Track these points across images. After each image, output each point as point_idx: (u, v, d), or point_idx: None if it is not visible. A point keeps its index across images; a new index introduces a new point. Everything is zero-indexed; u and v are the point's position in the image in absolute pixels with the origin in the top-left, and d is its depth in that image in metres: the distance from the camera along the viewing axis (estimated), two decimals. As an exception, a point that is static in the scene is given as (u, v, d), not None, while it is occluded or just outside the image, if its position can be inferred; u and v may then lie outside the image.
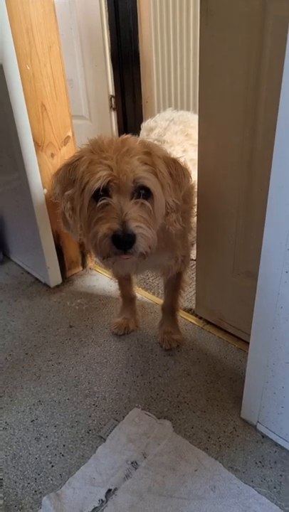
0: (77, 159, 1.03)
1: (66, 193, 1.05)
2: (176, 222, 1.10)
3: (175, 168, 1.07)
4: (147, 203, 1.01)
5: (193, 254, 1.64)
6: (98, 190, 0.98)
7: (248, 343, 1.10)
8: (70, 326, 1.63)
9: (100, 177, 0.96)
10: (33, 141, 1.52)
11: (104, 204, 0.99)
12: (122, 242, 0.97)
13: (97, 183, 0.97)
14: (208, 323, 1.58)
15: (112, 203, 0.98)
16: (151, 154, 1.03)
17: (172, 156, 1.31)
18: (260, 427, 1.18)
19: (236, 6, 1.02)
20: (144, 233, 0.99)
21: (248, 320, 1.07)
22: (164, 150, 1.13)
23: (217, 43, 1.09)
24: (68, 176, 1.05)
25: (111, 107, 2.89)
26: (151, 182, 1.00)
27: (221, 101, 1.15)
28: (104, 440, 1.19)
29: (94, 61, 2.77)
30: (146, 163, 1.01)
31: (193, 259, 1.63)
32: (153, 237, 1.02)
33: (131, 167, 0.97)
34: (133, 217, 0.98)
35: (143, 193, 1.01)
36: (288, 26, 0.72)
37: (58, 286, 1.86)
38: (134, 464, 1.12)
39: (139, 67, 2.70)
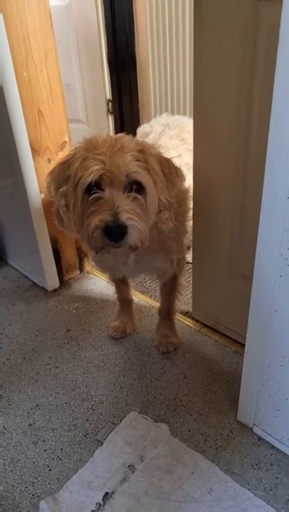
0: (72, 157, 1.04)
1: (60, 189, 1.06)
2: (168, 220, 1.11)
3: (168, 167, 1.08)
4: (140, 197, 1.02)
5: (190, 257, 1.66)
6: (91, 184, 0.99)
7: (245, 346, 1.11)
8: (68, 330, 1.63)
9: (93, 171, 0.97)
10: (30, 146, 1.53)
11: (96, 197, 1.00)
12: (113, 233, 0.98)
13: (89, 177, 0.98)
14: (205, 326, 1.59)
15: (105, 196, 0.99)
16: (145, 152, 1.04)
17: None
18: (256, 430, 1.19)
19: (229, 13, 1.03)
20: (136, 225, 0.99)
21: (244, 323, 1.07)
22: (158, 149, 1.15)
23: (211, 51, 1.10)
24: (63, 173, 1.06)
25: (108, 110, 2.90)
26: (143, 177, 1.01)
27: (216, 107, 1.17)
28: (102, 444, 1.19)
29: (91, 66, 2.78)
30: (139, 160, 1.02)
31: (189, 262, 1.64)
32: (145, 230, 1.03)
33: (124, 161, 0.98)
34: (125, 209, 0.98)
35: (136, 187, 1.02)
36: (279, 34, 0.73)
37: (55, 290, 1.87)
38: (131, 467, 1.12)
39: (136, 71, 2.72)
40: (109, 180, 0.99)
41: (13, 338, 1.61)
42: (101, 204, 0.99)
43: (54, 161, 1.63)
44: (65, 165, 1.06)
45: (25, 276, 1.97)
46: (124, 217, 0.97)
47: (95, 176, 0.97)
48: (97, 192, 0.99)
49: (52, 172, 1.10)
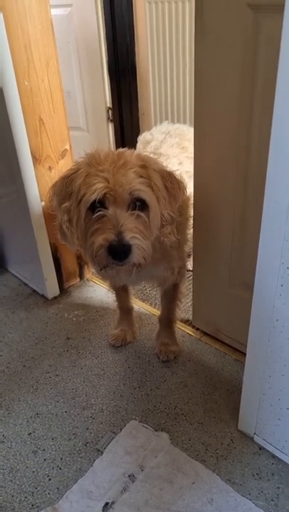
0: (74, 172, 1.05)
1: (63, 205, 1.06)
2: (170, 234, 1.12)
3: (170, 181, 1.09)
4: (143, 215, 1.03)
5: (190, 265, 1.66)
6: (94, 202, 0.99)
7: (245, 354, 1.11)
8: (68, 338, 1.63)
9: (96, 189, 0.98)
10: (31, 154, 1.54)
11: (100, 215, 1.00)
12: (117, 253, 0.98)
13: (93, 195, 0.98)
14: (205, 334, 1.59)
15: (108, 214, 0.99)
16: (147, 167, 1.04)
17: (168, 168, 1.33)
18: (257, 439, 1.18)
19: (230, 25, 1.04)
20: (140, 244, 1.00)
21: (244, 331, 1.07)
22: (160, 163, 1.15)
23: (211, 61, 1.11)
24: (65, 188, 1.06)
25: (108, 118, 2.91)
26: (146, 194, 1.02)
27: (216, 116, 1.17)
28: (102, 453, 1.19)
29: (91, 73, 2.80)
30: (141, 176, 1.02)
31: (189, 270, 1.64)
32: (148, 248, 1.04)
33: (127, 179, 0.99)
34: (129, 228, 0.99)
35: (139, 204, 1.02)
36: (280, 45, 0.73)
37: (55, 297, 1.86)
38: (132, 477, 1.12)
39: (136, 79, 2.74)
40: (113, 198, 0.99)
41: (13, 345, 1.61)
42: (105, 222, 0.99)
43: (55, 169, 1.64)
44: (67, 179, 1.06)
45: (25, 284, 1.97)
46: (128, 236, 0.98)
47: (98, 195, 0.98)
48: (100, 210, 1.00)
49: (54, 186, 1.11)
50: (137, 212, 1.02)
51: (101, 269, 1.08)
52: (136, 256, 1.01)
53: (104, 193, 0.99)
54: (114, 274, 1.19)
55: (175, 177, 1.11)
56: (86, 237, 1.04)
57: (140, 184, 1.01)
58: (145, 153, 1.25)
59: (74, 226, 1.07)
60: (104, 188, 0.98)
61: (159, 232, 1.10)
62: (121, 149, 1.09)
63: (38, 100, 1.49)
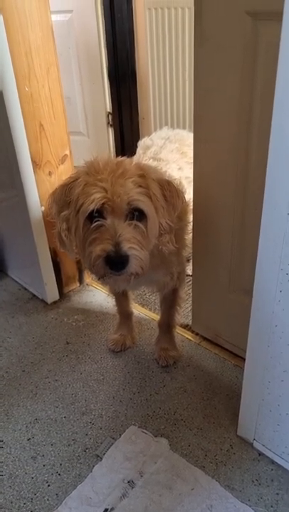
0: (73, 180, 1.05)
1: (62, 213, 1.07)
2: (169, 242, 1.13)
3: (169, 190, 1.09)
4: (141, 225, 1.03)
5: (190, 270, 1.66)
6: (92, 211, 1.00)
7: (245, 360, 1.11)
8: (67, 343, 1.63)
9: (95, 199, 0.98)
10: (31, 159, 1.54)
11: (98, 225, 1.01)
12: (114, 263, 0.99)
13: (91, 205, 0.99)
14: (205, 339, 1.59)
15: (106, 224, 1.00)
16: (146, 177, 1.05)
17: (167, 174, 1.34)
18: (256, 445, 1.18)
19: (229, 31, 1.05)
20: (137, 254, 1.01)
21: (244, 336, 1.07)
22: (160, 172, 1.16)
23: (211, 67, 1.12)
24: (64, 197, 1.07)
25: (108, 123, 2.93)
26: (145, 204, 1.02)
27: (215, 122, 1.18)
28: (101, 459, 1.19)
29: (91, 79, 2.82)
30: (140, 186, 1.03)
31: (189, 275, 1.64)
32: (146, 258, 1.04)
33: (125, 189, 1.00)
34: (126, 238, 0.99)
35: (137, 214, 1.03)
36: (279, 52, 0.74)
37: (55, 302, 1.86)
38: (131, 483, 1.11)
39: (136, 84, 2.75)
40: (111, 208, 1.00)
41: (13, 350, 1.61)
42: (102, 232, 1.00)
43: (55, 174, 1.64)
44: (66, 187, 1.07)
45: (25, 289, 1.97)
46: (125, 246, 0.99)
47: (96, 205, 0.99)
48: (98, 220, 1.01)
49: (53, 194, 1.12)
50: (134, 222, 1.03)
51: (99, 278, 1.09)
52: (133, 266, 1.02)
53: (103, 203, 0.99)
54: (112, 282, 1.19)
55: (174, 186, 1.12)
56: (84, 246, 1.05)
57: (138, 194, 1.02)
58: (144, 162, 1.26)
59: (73, 234, 1.08)
60: (103, 198, 0.99)
61: (158, 241, 1.11)
62: (120, 158, 1.10)
63: (39, 106, 1.50)
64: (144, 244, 1.04)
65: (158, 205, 1.06)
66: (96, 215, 1.01)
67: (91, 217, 1.01)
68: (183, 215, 1.30)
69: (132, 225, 1.02)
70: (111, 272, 1.02)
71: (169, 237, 1.12)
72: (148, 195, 1.04)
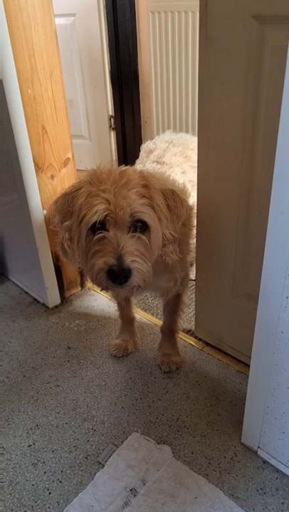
0: (76, 190, 1.05)
1: (64, 223, 1.07)
2: (172, 253, 1.12)
3: (173, 200, 1.08)
4: (143, 237, 1.02)
5: (193, 275, 1.64)
6: (95, 223, 0.99)
7: (248, 366, 1.09)
8: (69, 348, 1.61)
9: (97, 211, 0.98)
10: (34, 162, 1.53)
11: (101, 237, 1.00)
12: (117, 277, 0.98)
13: (94, 217, 0.98)
14: (208, 344, 1.57)
15: (109, 236, 0.99)
16: (149, 187, 1.04)
17: (171, 178, 1.33)
18: (261, 453, 1.16)
19: (234, 35, 1.04)
20: (140, 267, 1.00)
21: (247, 342, 1.06)
22: (163, 180, 1.15)
23: (216, 71, 1.11)
24: (67, 206, 1.06)
25: (110, 126, 2.92)
26: (148, 216, 1.01)
27: (220, 126, 1.17)
28: (103, 466, 1.17)
29: (94, 82, 2.81)
30: (144, 196, 1.02)
31: (192, 280, 1.63)
32: (148, 270, 1.03)
33: (128, 201, 0.99)
34: (129, 251, 0.98)
35: (140, 225, 1.02)
36: (286, 56, 0.73)
37: (56, 306, 1.85)
38: (133, 491, 1.10)
39: (139, 88, 2.75)
40: (114, 220, 0.99)
41: (13, 355, 1.59)
42: (105, 244, 0.99)
43: (57, 178, 1.63)
44: (68, 197, 1.06)
45: (26, 293, 1.96)
46: (128, 260, 0.98)
47: (99, 217, 0.98)
48: (101, 232, 1.00)
49: (56, 202, 1.11)
50: (137, 234, 1.02)
51: (101, 290, 1.08)
52: (136, 279, 1.01)
53: (106, 215, 0.99)
54: (115, 294, 1.18)
55: (178, 195, 1.11)
56: (87, 258, 1.05)
57: (141, 206, 1.01)
58: (148, 170, 1.25)
59: (75, 245, 1.08)
60: (105, 210, 0.98)
61: (161, 251, 1.10)
62: (123, 167, 1.09)
63: (41, 109, 1.49)
64: (148, 257, 1.03)
65: (161, 215, 1.05)
66: (99, 226, 1.00)
67: (94, 228, 1.00)
68: (187, 220, 1.29)
69: (135, 237, 1.01)
70: (113, 285, 1.01)
71: (172, 248, 1.12)
72: (151, 206, 1.03)
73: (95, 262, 1.00)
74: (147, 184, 1.04)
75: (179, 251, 1.14)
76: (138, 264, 0.99)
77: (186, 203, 1.12)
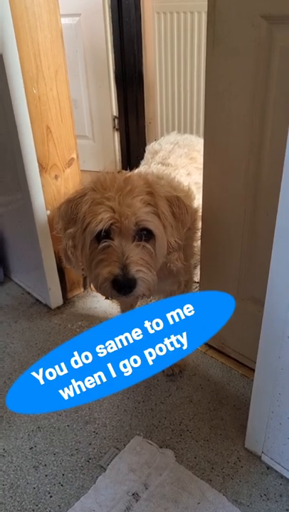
0: (80, 197, 1.04)
1: (68, 231, 1.06)
2: (177, 260, 1.11)
3: (178, 207, 1.07)
4: (148, 246, 1.02)
5: (197, 277, 1.63)
6: (100, 231, 0.99)
7: (252, 370, 1.08)
8: (71, 349, 1.60)
9: (102, 219, 0.97)
10: (38, 162, 1.52)
11: (105, 246, 0.99)
12: (122, 287, 0.98)
13: (98, 226, 0.97)
14: (211, 348, 1.56)
15: (114, 245, 0.99)
16: (154, 194, 1.03)
17: (176, 180, 1.32)
18: (264, 458, 1.15)
19: (243, 35, 1.02)
20: (145, 277, 0.99)
21: (251, 346, 1.05)
22: (168, 186, 1.13)
23: (223, 71, 1.10)
24: (70, 213, 1.05)
25: (114, 127, 2.91)
26: (153, 224, 1.01)
27: (227, 127, 1.15)
28: (105, 470, 1.16)
29: (98, 82, 2.81)
30: (148, 204, 1.01)
31: (196, 282, 1.61)
32: (153, 279, 1.03)
33: (133, 210, 0.98)
34: (134, 260, 0.98)
35: (145, 234, 1.01)
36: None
37: (58, 307, 1.84)
38: (135, 496, 1.08)
39: (143, 88, 2.74)
40: (119, 229, 0.98)
41: (15, 356, 1.58)
42: (110, 253, 0.99)
43: (61, 178, 1.62)
44: (72, 203, 1.05)
45: (28, 293, 1.95)
46: (133, 269, 0.97)
47: (104, 226, 0.97)
48: (106, 241, 0.99)
49: (59, 208, 1.10)
50: (142, 243, 1.01)
51: (106, 298, 1.07)
52: (141, 289, 1.00)
53: (110, 224, 0.98)
54: (120, 303, 1.16)
55: (183, 202, 1.10)
56: (91, 266, 1.04)
57: (146, 214, 1.00)
58: (152, 176, 1.24)
59: (79, 252, 1.07)
60: (110, 219, 0.97)
61: (166, 258, 1.09)
62: (128, 173, 1.08)
63: (46, 109, 1.48)
64: (152, 265, 1.03)
65: (166, 223, 1.05)
66: (104, 234, 0.99)
67: (98, 236, 1.00)
68: (192, 223, 1.28)
69: (140, 246, 1.00)
70: (118, 295, 1.00)
71: (177, 255, 1.11)
72: (156, 214, 1.02)
73: (99, 271, 0.99)
74: (152, 191, 1.03)
75: (183, 258, 1.13)
76: (143, 274, 0.99)
77: (191, 209, 1.12)
